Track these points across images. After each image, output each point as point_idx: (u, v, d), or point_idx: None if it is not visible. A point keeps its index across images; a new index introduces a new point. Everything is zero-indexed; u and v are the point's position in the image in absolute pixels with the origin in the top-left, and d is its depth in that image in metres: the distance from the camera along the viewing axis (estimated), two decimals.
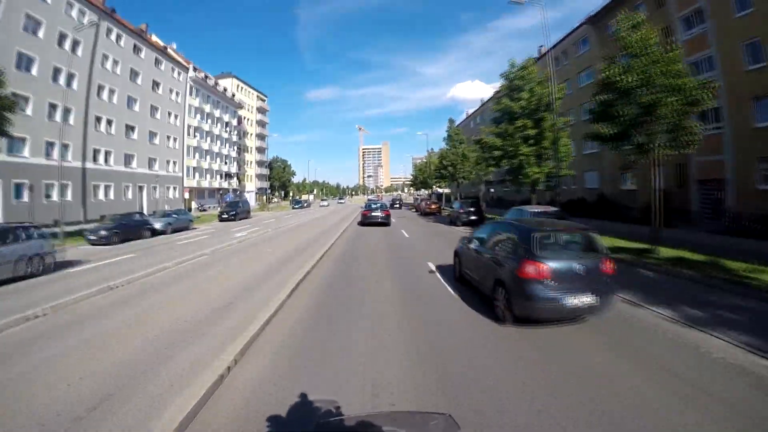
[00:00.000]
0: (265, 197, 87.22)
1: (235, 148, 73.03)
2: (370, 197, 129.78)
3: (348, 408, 4.28)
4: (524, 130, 21.93)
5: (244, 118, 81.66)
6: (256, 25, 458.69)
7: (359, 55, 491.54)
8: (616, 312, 7.85)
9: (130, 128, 44.97)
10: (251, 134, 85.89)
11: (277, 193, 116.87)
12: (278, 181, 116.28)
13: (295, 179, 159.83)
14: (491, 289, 8.10)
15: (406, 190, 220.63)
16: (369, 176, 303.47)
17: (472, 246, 9.71)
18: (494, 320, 7.62)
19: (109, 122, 41.89)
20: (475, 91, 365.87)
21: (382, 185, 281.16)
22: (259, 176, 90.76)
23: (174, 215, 27.68)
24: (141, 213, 24.90)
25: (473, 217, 28.08)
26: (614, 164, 29.58)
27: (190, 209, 55.13)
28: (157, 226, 24.84)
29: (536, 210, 16.80)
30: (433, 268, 12.90)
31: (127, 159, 44.54)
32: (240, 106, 76.40)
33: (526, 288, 6.96)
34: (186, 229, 28.18)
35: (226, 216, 38.03)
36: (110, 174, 41.60)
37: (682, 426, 4.19)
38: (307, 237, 22.51)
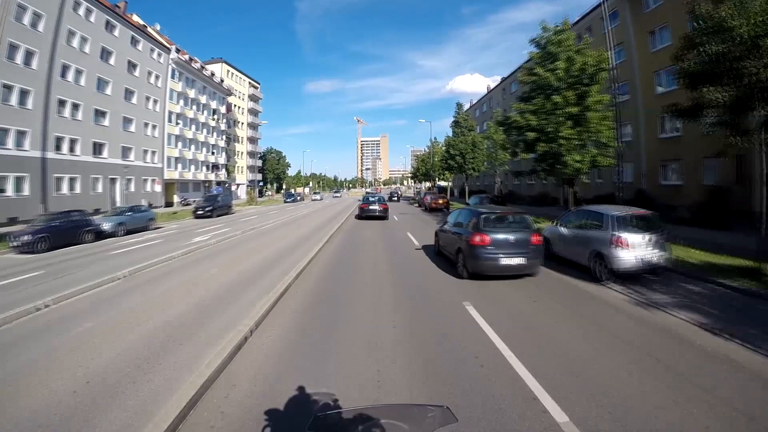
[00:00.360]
0: (255, 190, 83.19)
1: (224, 137, 68.61)
2: (368, 190, 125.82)
3: None
4: (565, 107, 17.72)
5: (235, 106, 77.24)
6: (254, 17, 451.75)
7: (359, 47, 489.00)
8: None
9: (100, 113, 40.63)
10: (242, 123, 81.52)
11: (270, 186, 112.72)
12: (272, 173, 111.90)
13: (291, 171, 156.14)
14: (455, 256, 11.91)
15: (405, 182, 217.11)
16: (367, 169, 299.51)
17: (446, 227, 14.06)
18: (457, 276, 11.27)
19: (76, 106, 37.60)
20: (474, 84, 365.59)
21: (380, 178, 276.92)
22: (251, 168, 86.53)
23: (129, 213, 23.47)
24: (81, 211, 20.55)
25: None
26: (655, 154, 25.44)
27: (170, 203, 50.94)
28: (106, 227, 20.72)
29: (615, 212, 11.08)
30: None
31: (97, 148, 40.26)
32: (229, 92, 71.89)
33: (475, 251, 10.61)
34: (145, 229, 24.06)
35: (201, 212, 33.95)
36: (76, 165, 37.37)
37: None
38: (284, 244, 17.94)
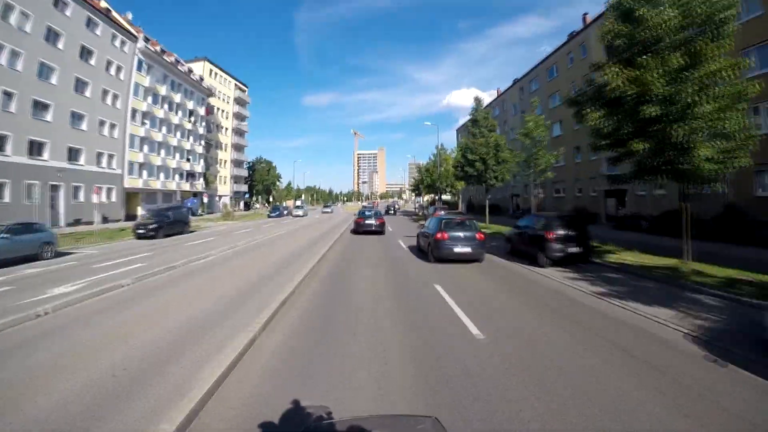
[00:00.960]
0: (236, 203, 76.47)
1: (202, 142, 61.88)
2: (364, 204, 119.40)
3: None
4: (687, 67, 11.04)
5: (218, 109, 70.75)
6: (252, 28, 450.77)
7: (356, 61, 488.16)
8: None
9: (41, 106, 33.91)
10: (226, 129, 75.01)
11: (258, 198, 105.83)
12: (261, 184, 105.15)
13: (285, 183, 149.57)
14: (426, 248, 17.82)
15: (403, 196, 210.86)
16: (364, 182, 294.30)
17: (423, 231, 20.71)
18: (427, 261, 16.67)
19: (8, 95, 30.87)
20: (471, 98, 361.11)
21: (377, 191, 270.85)
22: (236, 178, 79.89)
23: (4, 235, 15.90)
24: None
25: (575, 249, 14.85)
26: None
27: (133, 216, 43.89)
28: None
29: None
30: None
31: (35, 147, 33.41)
32: (210, 92, 65.39)
33: (438, 244, 15.95)
34: (36, 258, 16.82)
35: (143, 231, 26.59)
36: (6, 167, 30.50)
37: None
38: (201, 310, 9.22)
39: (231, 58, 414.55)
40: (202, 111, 61.49)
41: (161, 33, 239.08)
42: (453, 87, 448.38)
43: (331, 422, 1.91)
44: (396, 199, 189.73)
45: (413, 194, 76.45)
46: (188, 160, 57.48)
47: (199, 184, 59.67)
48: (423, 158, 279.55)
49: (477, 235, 15.91)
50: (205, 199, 61.62)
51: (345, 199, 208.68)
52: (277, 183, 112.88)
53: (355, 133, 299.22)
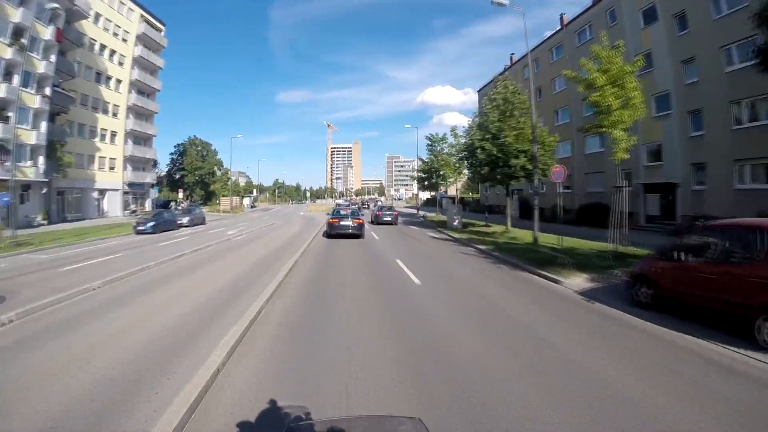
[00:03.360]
0: (136, 202, 52.64)
1: (46, 90, 37.23)
2: (339, 201, 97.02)
3: None
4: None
5: (99, 46, 46.49)
6: (226, 25, 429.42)
7: (331, 58, 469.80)
8: None
9: None
10: (120, 81, 50.90)
11: (190, 194, 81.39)
12: (192, 174, 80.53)
13: (239, 178, 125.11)
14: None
15: (392, 191, 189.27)
16: (338, 178, 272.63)
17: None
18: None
19: None
20: (446, 96, 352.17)
21: (352, 188, 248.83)
22: (138, 163, 55.55)
23: None
24: None
25: None
26: None
27: None
28: None
29: None
30: None
31: None
32: (80, 12, 40.80)
33: (330, 225, 25.64)
34: None
35: None
36: None
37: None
38: None
39: (201, 55, 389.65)
40: (47, 33, 36.84)
41: None
42: (428, 85, 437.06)
43: (310, 423, 1.93)
44: (376, 195, 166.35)
45: (418, 186, 54.00)
46: (6, 119, 32.93)
47: (30, 170, 35.20)
48: (404, 155, 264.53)
49: (356, 217, 26.38)
50: (95, 197, 37.00)
51: (315, 196, 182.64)
52: (219, 173, 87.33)
53: (328, 125, 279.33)
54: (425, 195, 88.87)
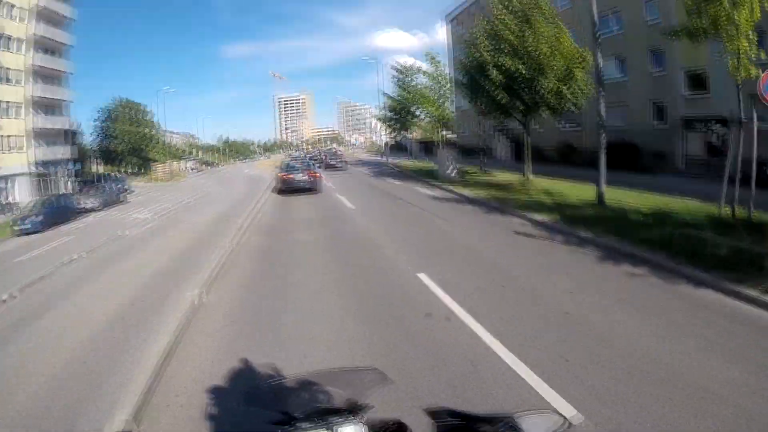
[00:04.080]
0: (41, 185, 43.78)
1: None
2: (291, 154, 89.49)
3: None
4: None
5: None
6: None
7: (275, 8, 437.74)
8: None
9: None
10: (10, 37, 41.14)
11: (126, 165, 71.91)
12: (125, 142, 70.68)
13: (175, 139, 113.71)
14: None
15: (350, 139, 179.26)
16: (289, 130, 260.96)
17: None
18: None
19: None
20: (397, 40, 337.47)
21: (305, 139, 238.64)
22: (52, 136, 46.51)
23: None
24: None
25: None
26: None
27: None
28: None
29: None
30: None
31: None
32: None
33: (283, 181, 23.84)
34: None
35: None
36: None
37: None
38: None
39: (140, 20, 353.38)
40: None
41: None
42: (376, 29, 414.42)
43: (272, 382, 2.03)
44: (335, 146, 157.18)
45: (386, 129, 46.33)
46: None
47: None
48: (358, 102, 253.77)
49: (310, 172, 24.57)
50: None
51: (265, 150, 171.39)
52: (152, 133, 76.45)
53: (274, 75, 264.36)
54: (382, 141, 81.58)
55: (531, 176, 21.62)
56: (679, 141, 25.68)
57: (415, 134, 61.97)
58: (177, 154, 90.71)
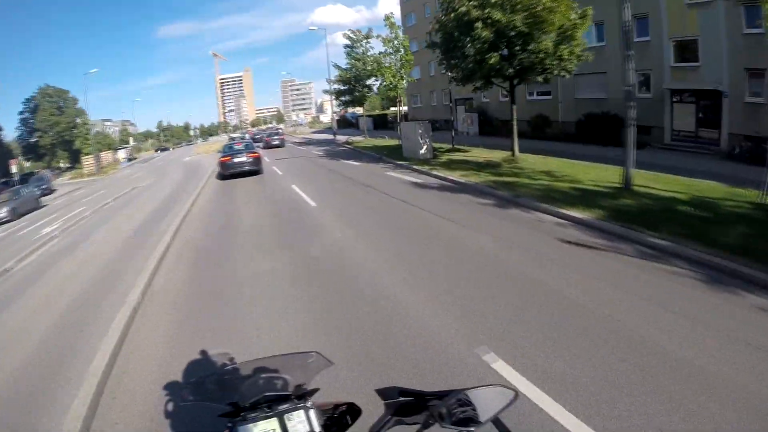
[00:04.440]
0: None
1: None
2: (232, 135, 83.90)
3: None
4: None
5: None
6: None
7: None
8: None
9: None
10: None
11: (52, 158, 64.77)
12: (50, 135, 62.93)
13: (107, 127, 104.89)
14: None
15: (293, 117, 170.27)
16: (230, 111, 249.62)
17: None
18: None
19: None
20: (336, 15, 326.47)
21: (247, 119, 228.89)
22: None
23: None
24: None
25: None
26: None
27: None
28: None
29: None
30: None
31: None
32: None
33: (223, 165, 22.13)
34: None
35: None
36: None
37: None
38: None
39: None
40: None
41: None
42: (318, 4, 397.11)
43: (214, 373, 2.00)
44: (274, 123, 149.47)
45: (338, 104, 41.81)
46: None
47: None
48: (299, 78, 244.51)
49: (251, 153, 22.70)
50: None
51: (206, 133, 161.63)
52: (84, 124, 69.27)
53: (215, 55, 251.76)
54: (328, 119, 77.04)
55: (518, 153, 18.64)
56: (666, 114, 23.72)
57: (360, 109, 58.08)
58: (109, 144, 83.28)
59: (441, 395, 1.41)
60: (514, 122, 18.68)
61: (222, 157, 23.53)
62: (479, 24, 15.39)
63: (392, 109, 54.19)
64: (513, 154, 18.49)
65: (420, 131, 21.19)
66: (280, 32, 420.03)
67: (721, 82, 20.26)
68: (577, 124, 26.84)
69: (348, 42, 31.69)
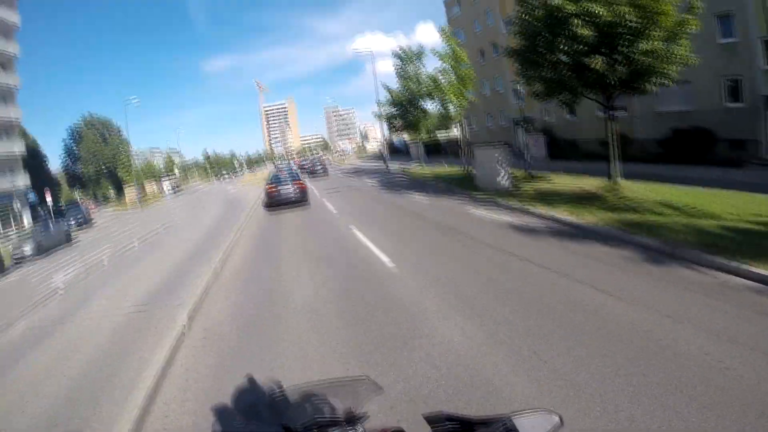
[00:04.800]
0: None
1: None
2: (278, 164, 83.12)
3: None
4: None
5: None
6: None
7: (254, 18, 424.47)
8: None
9: None
10: None
11: (95, 190, 64.78)
12: (95, 165, 63.32)
13: (157, 157, 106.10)
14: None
15: (340, 144, 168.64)
16: (275, 140, 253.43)
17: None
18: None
19: None
20: (376, 44, 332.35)
21: (291, 147, 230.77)
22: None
23: None
24: None
25: None
26: None
27: None
28: None
29: None
30: None
31: None
32: None
33: (269, 195, 22.16)
34: None
35: None
36: None
37: None
38: None
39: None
40: None
41: None
42: (356, 32, 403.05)
43: (281, 392, 1.94)
44: (320, 152, 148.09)
45: (388, 129, 38.86)
46: None
47: None
48: (343, 106, 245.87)
49: (296, 183, 22.32)
50: None
51: (252, 163, 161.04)
52: (130, 157, 69.54)
53: (258, 84, 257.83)
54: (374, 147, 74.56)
55: (620, 180, 15.03)
56: (761, 126, 20.22)
57: (406, 135, 54.94)
58: (155, 173, 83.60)
59: (487, 421, 1.40)
60: (612, 143, 15.07)
61: (268, 185, 23.34)
62: (576, 21, 12.10)
63: (441, 134, 51.08)
64: (613, 182, 14.92)
65: (499, 157, 17.89)
66: (321, 62, 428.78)
67: None
68: (660, 143, 23.26)
69: (398, 61, 28.88)
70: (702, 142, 21.02)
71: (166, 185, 70.76)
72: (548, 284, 7.34)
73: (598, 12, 11.96)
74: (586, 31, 12.27)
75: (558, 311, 6.19)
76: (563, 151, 29.23)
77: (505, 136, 37.58)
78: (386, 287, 8.15)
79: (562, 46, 13.01)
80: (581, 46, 12.62)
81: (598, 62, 12.37)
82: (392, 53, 29.97)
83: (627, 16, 11.75)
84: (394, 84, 31.11)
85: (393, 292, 7.85)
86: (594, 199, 13.73)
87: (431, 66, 44.85)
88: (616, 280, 7.16)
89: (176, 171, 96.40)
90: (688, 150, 21.16)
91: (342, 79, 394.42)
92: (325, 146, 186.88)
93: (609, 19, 11.94)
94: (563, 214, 12.16)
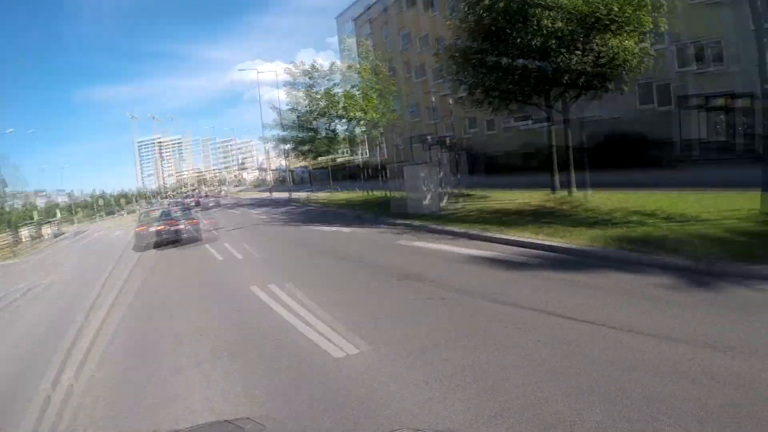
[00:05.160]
0: None
1: None
2: (165, 203, 74.57)
3: None
4: None
5: None
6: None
7: (134, 45, 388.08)
8: None
9: None
10: None
11: None
12: None
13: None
14: None
15: (229, 177, 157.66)
16: (149, 175, 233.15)
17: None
18: None
19: None
20: (257, 71, 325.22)
21: (168, 184, 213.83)
22: None
23: None
24: None
25: None
26: None
27: None
28: None
29: None
30: None
31: None
32: None
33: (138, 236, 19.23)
34: None
35: None
36: None
37: None
38: None
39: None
40: None
41: None
42: (239, 61, 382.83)
43: None
44: (203, 188, 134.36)
45: (286, 157, 35.60)
46: None
47: None
48: (223, 137, 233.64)
49: (190, 222, 19.45)
50: None
51: (127, 201, 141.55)
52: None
53: (132, 117, 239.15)
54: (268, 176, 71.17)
55: (576, 191, 14.19)
56: (676, 125, 22.18)
57: (289, 162, 51.27)
58: (31, 216, 72.68)
59: None
60: (571, 151, 14.30)
61: (138, 227, 20.81)
62: (547, 12, 11.01)
63: (344, 158, 49.30)
64: (569, 193, 14.02)
65: (432, 176, 15.96)
66: (201, 92, 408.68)
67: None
68: (591, 150, 23.66)
69: (306, 79, 26.75)
70: (634, 146, 21.58)
71: (47, 230, 61.75)
72: (610, 348, 4.60)
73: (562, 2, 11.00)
74: (549, 23, 11.20)
75: (663, 395, 3.55)
76: (484, 166, 29.46)
77: (419, 155, 36.98)
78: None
79: (522, 40, 11.82)
80: (552, 41, 11.54)
81: (563, 59, 11.33)
82: (285, 70, 27.88)
83: (600, 5, 10.84)
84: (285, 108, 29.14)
85: None
86: (551, 214, 12.31)
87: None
88: (685, 323, 4.97)
89: (58, 214, 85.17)
90: (620, 155, 21.31)
91: (222, 109, 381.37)
92: (209, 180, 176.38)
93: (585, 11, 10.98)
94: (535, 236, 10.08)
